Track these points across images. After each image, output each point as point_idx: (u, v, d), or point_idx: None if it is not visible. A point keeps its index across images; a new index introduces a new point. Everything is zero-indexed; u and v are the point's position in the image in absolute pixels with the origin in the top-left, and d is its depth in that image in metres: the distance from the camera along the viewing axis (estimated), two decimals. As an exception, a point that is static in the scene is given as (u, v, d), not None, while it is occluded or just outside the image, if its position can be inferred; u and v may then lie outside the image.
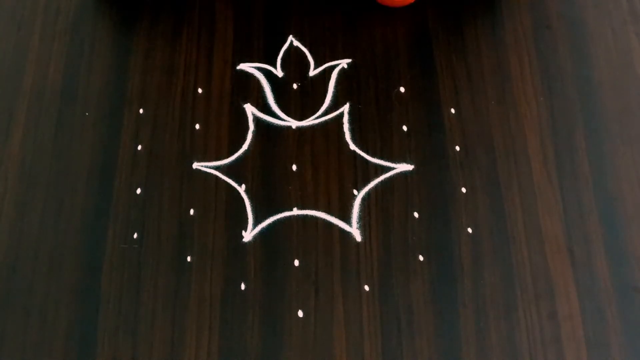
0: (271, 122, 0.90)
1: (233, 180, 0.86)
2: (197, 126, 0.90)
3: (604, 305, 0.80)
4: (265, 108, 0.91)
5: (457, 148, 0.88)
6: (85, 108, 0.91)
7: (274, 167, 0.87)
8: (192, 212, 0.84)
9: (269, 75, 0.93)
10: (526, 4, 0.98)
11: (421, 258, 0.82)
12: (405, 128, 0.90)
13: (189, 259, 0.82)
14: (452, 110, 0.90)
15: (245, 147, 0.88)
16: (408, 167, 0.87)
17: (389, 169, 0.87)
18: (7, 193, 0.86)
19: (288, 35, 0.96)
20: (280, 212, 0.85)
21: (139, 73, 0.93)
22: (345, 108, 0.91)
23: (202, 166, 0.87)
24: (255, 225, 0.84)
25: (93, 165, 0.87)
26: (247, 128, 0.90)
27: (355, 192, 0.86)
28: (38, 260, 0.82)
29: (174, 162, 0.88)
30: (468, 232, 0.83)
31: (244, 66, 0.94)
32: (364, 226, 0.84)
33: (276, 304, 0.80)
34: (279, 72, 0.93)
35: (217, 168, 0.87)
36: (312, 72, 0.93)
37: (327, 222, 0.84)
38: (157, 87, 0.92)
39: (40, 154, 0.88)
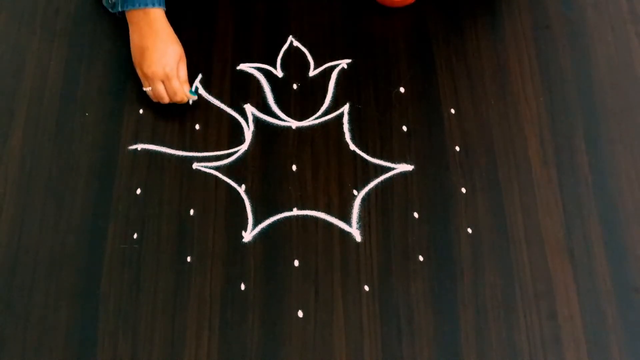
0: (271, 122, 0.90)
1: (233, 180, 0.86)
2: (197, 126, 0.90)
3: (604, 306, 0.80)
4: (265, 108, 0.91)
5: (457, 148, 0.88)
6: (85, 108, 0.91)
7: (274, 167, 0.87)
8: (192, 212, 0.84)
9: (269, 75, 0.93)
10: (526, 4, 0.98)
11: (421, 258, 0.82)
12: (405, 128, 0.89)
13: (189, 259, 0.82)
14: (452, 110, 0.90)
15: (245, 147, 0.88)
16: (408, 167, 0.87)
17: (389, 169, 0.87)
18: (7, 193, 0.86)
19: (288, 36, 0.96)
20: (280, 212, 0.85)
21: (139, 73, 0.93)
22: (345, 108, 0.91)
23: (202, 166, 0.87)
24: (255, 225, 0.84)
25: (93, 165, 0.87)
26: (247, 128, 0.90)
27: (355, 192, 0.86)
28: (38, 261, 0.82)
29: (174, 162, 0.88)
30: (468, 232, 0.83)
31: (244, 66, 0.94)
32: (364, 226, 0.84)
33: (276, 304, 0.80)
34: (279, 73, 0.93)
35: (217, 168, 0.87)
36: (312, 73, 0.93)
37: (327, 222, 0.84)
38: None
39: (40, 154, 0.88)
